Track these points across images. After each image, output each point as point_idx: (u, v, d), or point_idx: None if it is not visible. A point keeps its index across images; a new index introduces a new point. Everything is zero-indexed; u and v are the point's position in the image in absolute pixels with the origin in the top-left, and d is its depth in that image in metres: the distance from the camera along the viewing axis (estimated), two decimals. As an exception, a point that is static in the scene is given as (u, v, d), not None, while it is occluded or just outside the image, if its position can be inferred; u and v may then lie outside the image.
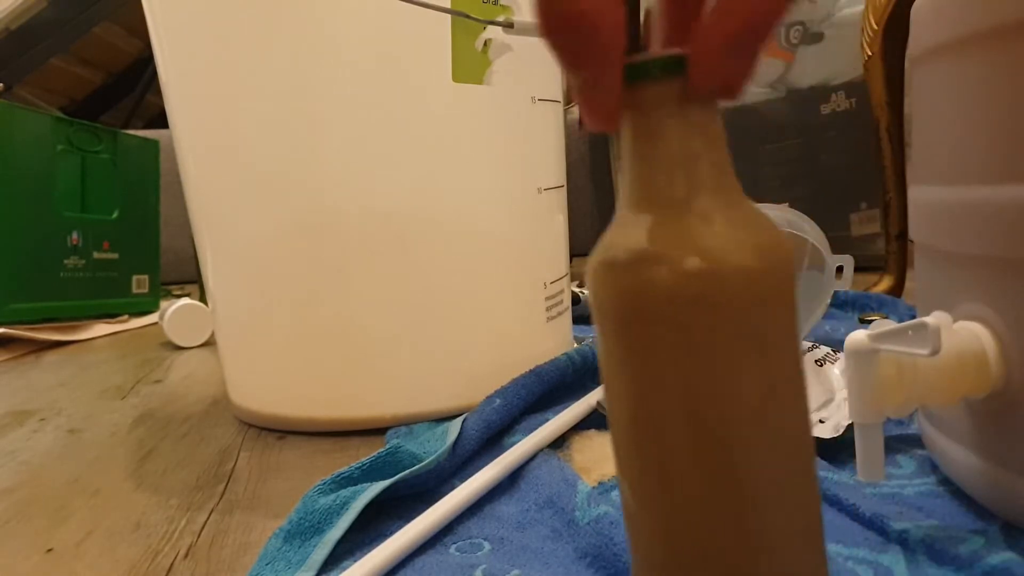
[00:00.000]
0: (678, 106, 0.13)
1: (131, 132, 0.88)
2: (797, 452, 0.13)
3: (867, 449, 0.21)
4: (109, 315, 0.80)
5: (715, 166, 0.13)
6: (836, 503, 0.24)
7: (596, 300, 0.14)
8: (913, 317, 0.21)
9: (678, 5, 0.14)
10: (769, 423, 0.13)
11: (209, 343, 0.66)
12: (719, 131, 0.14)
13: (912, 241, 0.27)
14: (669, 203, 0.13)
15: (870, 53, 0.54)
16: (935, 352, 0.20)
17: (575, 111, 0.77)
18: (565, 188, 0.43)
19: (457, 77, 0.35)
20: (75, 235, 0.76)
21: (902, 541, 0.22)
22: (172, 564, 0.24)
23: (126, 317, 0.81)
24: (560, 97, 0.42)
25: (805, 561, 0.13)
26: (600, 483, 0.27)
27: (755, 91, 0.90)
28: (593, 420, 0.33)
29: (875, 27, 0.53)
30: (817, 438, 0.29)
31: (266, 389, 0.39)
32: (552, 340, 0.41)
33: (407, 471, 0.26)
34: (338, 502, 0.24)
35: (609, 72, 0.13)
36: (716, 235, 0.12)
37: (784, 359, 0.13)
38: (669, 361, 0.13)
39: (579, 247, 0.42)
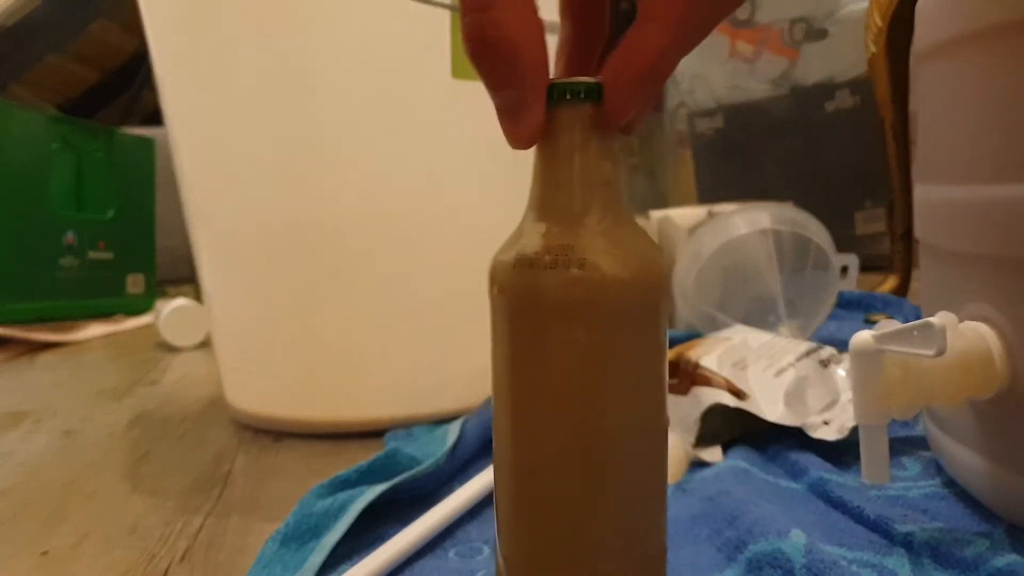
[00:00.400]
0: (587, 129, 0.15)
1: (127, 130, 0.88)
2: (653, 435, 0.16)
3: (872, 451, 0.21)
4: (104, 315, 0.80)
5: (609, 187, 0.15)
6: (840, 505, 0.24)
7: (493, 293, 0.16)
8: (918, 317, 0.21)
9: (582, 38, 0.16)
10: (631, 412, 0.15)
11: (205, 343, 0.65)
12: (618, 155, 0.16)
13: (918, 240, 0.27)
14: (566, 217, 0.15)
15: (874, 50, 0.54)
16: (940, 353, 0.20)
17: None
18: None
19: (457, 73, 0.35)
20: (70, 235, 0.76)
21: (907, 544, 0.21)
22: (168, 568, 0.24)
23: (120, 317, 0.81)
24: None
25: (657, 531, 0.16)
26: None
27: (759, 88, 0.90)
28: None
29: (880, 23, 0.53)
30: (822, 440, 0.29)
31: (263, 390, 0.39)
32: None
33: (406, 474, 0.26)
34: (336, 505, 0.24)
35: (531, 95, 0.14)
36: (599, 250, 0.15)
37: (649, 360, 0.15)
38: (550, 351, 0.15)
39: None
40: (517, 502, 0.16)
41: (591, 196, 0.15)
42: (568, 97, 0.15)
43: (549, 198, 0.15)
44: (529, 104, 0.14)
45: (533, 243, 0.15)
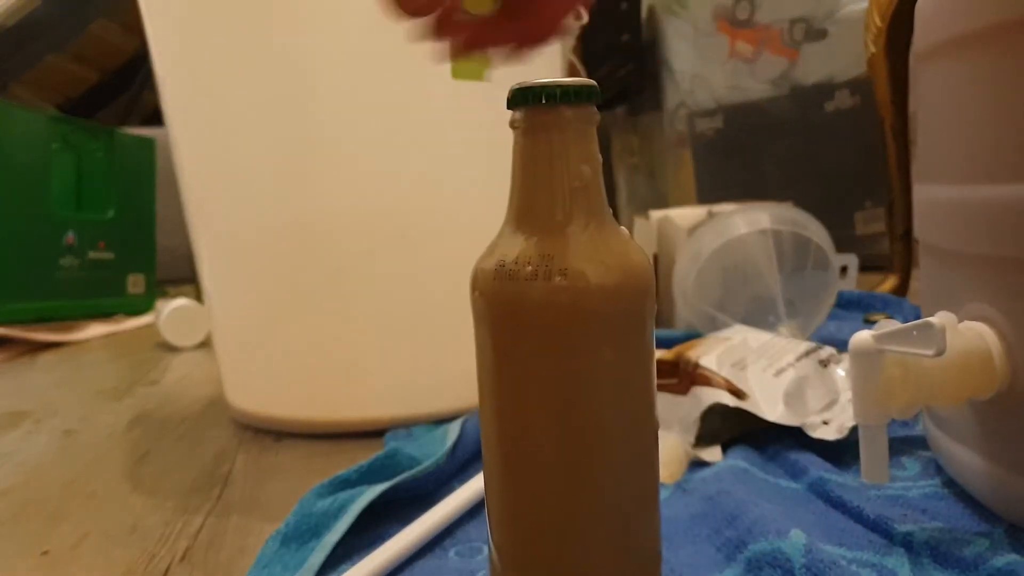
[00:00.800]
0: (564, 133, 0.15)
1: (127, 130, 0.88)
2: (642, 439, 0.16)
3: (871, 451, 0.21)
4: (104, 315, 0.80)
5: (589, 191, 0.15)
6: (840, 505, 0.24)
7: (475, 302, 0.16)
8: (918, 317, 0.21)
9: None
10: (618, 417, 0.15)
11: (205, 343, 0.65)
12: (597, 157, 0.15)
13: (917, 240, 0.27)
14: (546, 224, 0.15)
15: (874, 50, 0.54)
16: (940, 353, 0.20)
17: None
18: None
19: (456, 74, 0.35)
20: (70, 235, 0.76)
21: (906, 543, 0.21)
22: (168, 568, 0.24)
23: (121, 317, 0.81)
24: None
25: (648, 532, 0.16)
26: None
27: (759, 88, 0.90)
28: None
29: (879, 24, 0.53)
30: (821, 440, 0.29)
31: (263, 390, 0.39)
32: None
33: (406, 474, 0.26)
34: (336, 505, 0.24)
35: None
36: (583, 257, 0.15)
37: (635, 364, 0.15)
38: (534, 360, 0.15)
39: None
40: (505, 501, 0.16)
41: (571, 202, 0.15)
42: (544, 100, 0.14)
43: (528, 205, 0.15)
44: None
45: (514, 252, 0.15)
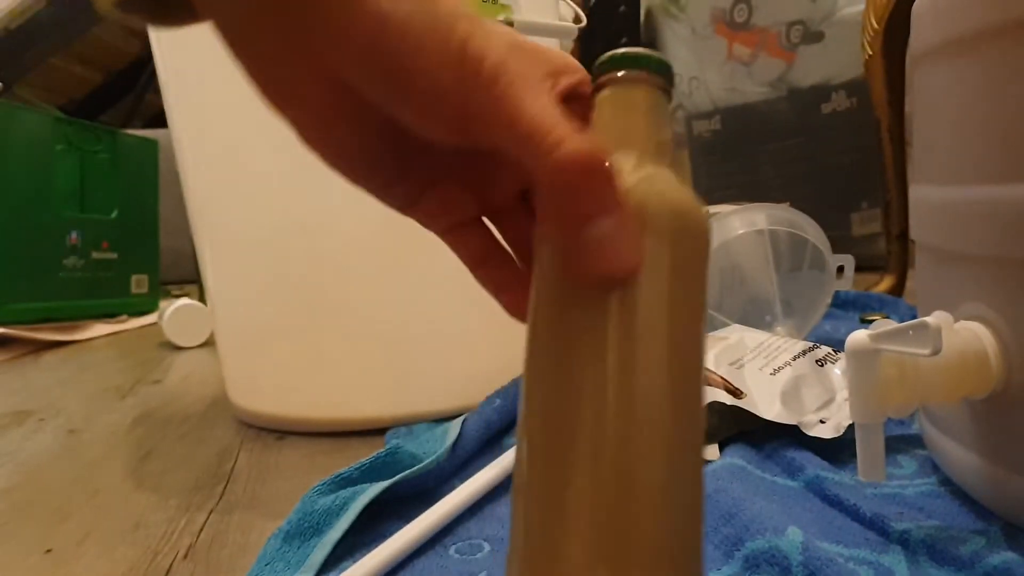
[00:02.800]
0: (658, 93, 0.16)
1: (130, 132, 0.88)
2: (696, 398, 0.15)
3: (868, 449, 0.21)
4: (108, 315, 0.80)
5: (669, 152, 0.16)
6: (837, 503, 0.24)
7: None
8: (914, 317, 0.21)
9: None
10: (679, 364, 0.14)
11: (208, 343, 0.65)
12: (673, 125, 0.16)
13: (913, 241, 0.27)
14: (641, 155, 0.15)
15: (871, 52, 0.54)
16: (936, 352, 0.20)
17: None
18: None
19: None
20: (74, 235, 0.76)
21: (903, 541, 0.22)
22: (171, 565, 0.24)
23: (125, 317, 0.81)
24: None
25: (693, 505, 0.15)
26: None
27: (756, 90, 0.90)
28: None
29: (876, 26, 0.53)
30: (818, 438, 0.29)
31: (265, 389, 0.39)
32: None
33: (407, 471, 0.26)
34: (337, 503, 0.24)
35: (629, 216, 0.13)
36: (680, 188, 0.15)
37: (698, 298, 0.15)
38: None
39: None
40: (550, 469, 0.14)
41: (657, 152, 0.15)
42: (638, 64, 0.15)
43: (626, 139, 0.15)
44: (631, 226, 0.13)
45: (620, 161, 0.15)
